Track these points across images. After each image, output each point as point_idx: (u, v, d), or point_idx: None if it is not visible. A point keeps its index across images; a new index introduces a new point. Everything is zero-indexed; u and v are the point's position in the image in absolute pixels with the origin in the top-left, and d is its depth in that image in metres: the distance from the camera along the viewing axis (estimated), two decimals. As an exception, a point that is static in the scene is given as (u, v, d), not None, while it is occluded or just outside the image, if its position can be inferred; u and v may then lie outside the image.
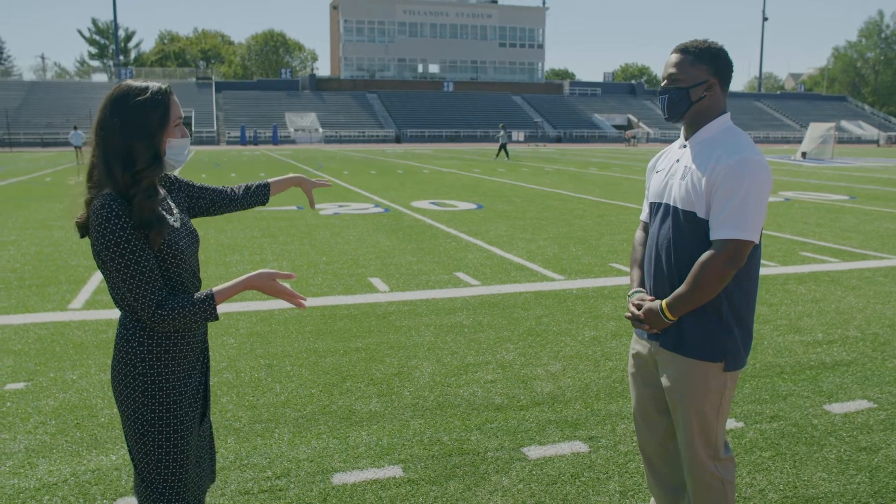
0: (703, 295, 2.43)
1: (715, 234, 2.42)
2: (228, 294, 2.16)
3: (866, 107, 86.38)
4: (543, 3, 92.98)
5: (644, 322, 2.58)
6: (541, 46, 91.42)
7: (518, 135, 67.87)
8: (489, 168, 28.83)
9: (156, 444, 2.18)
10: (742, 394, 4.70)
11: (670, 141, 71.10)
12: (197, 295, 2.12)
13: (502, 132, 38.36)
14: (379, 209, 14.67)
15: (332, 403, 4.48)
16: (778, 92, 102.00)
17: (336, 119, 70.52)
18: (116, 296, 2.15)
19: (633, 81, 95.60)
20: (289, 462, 3.71)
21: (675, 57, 2.54)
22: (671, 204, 2.56)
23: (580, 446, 3.90)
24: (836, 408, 4.48)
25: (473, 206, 15.15)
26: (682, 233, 2.51)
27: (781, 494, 3.43)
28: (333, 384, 4.81)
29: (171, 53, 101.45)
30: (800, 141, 65.27)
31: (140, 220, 2.03)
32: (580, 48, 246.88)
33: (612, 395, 4.64)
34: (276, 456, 3.78)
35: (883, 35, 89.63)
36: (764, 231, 11.79)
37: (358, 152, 46.45)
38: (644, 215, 2.86)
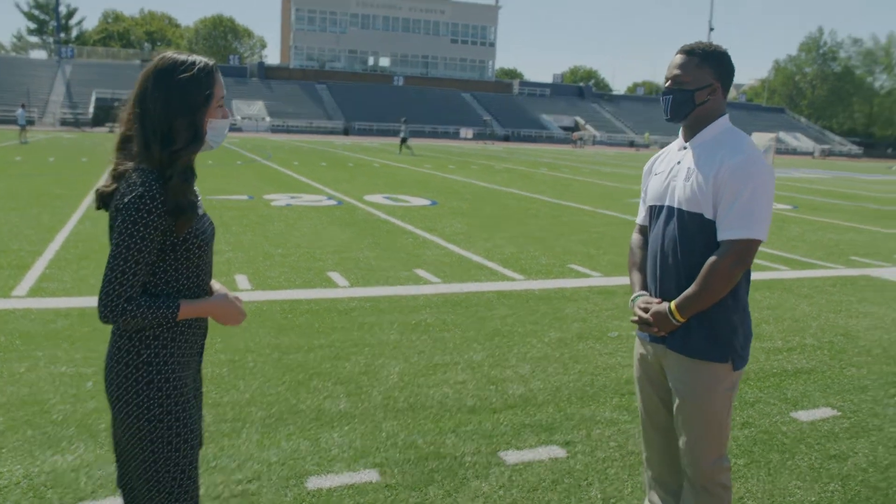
0: (713, 295, 2.42)
1: (723, 235, 2.41)
2: (194, 312, 2.05)
3: (803, 119, 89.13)
4: (496, 1, 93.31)
5: (652, 325, 2.53)
6: (492, 45, 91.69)
7: (467, 132, 67.97)
8: (440, 164, 28.75)
9: (164, 442, 2.03)
10: (711, 400, 4.71)
11: (617, 144, 72.30)
12: (163, 300, 1.98)
13: (404, 126, 38.05)
14: (332, 202, 14.44)
15: (300, 402, 4.34)
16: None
17: (284, 108, 69.46)
18: None
19: (581, 84, 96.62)
20: (259, 465, 3.56)
21: (680, 58, 2.52)
22: (675, 206, 2.54)
23: (557, 451, 3.84)
24: (803, 415, 4.53)
25: (427, 202, 15.05)
26: (689, 234, 2.49)
27: (759, 503, 3.44)
28: (300, 382, 4.66)
29: (115, 33, 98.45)
30: (740, 149, 66.86)
31: (175, 205, 1.94)
32: (530, 49, 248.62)
33: (583, 399, 4.60)
34: (245, 458, 3.62)
35: (821, 51, 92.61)
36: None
37: (306, 143, 45.85)
38: (641, 218, 2.83)
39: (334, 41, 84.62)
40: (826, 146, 77.47)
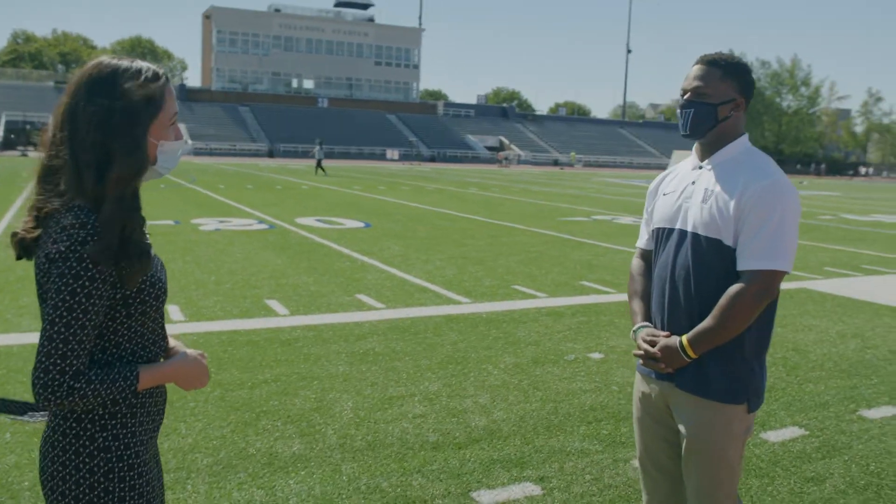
0: (731, 330, 2.21)
1: (746, 265, 2.21)
2: (156, 379, 1.65)
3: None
4: (420, 23, 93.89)
5: (659, 360, 2.31)
6: (416, 67, 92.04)
7: (393, 153, 67.82)
8: (369, 185, 28.43)
9: None
10: (678, 424, 4.57)
11: (541, 164, 73.29)
12: (118, 370, 1.57)
13: (318, 147, 37.68)
14: (263, 225, 13.96)
15: (249, 446, 3.98)
16: (640, 120, 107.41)
17: (206, 131, 67.86)
18: None
19: (504, 105, 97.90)
20: (209, 520, 3.20)
21: (701, 69, 2.32)
22: (689, 230, 2.32)
23: (532, 488, 3.60)
24: (772, 436, 4.42)
25: (361, 225, 14.72)
26: (704, 262, 2.28)
27: (748, 535, 3.27)
28: (247, 423, 4.29)
29: (26, 54, 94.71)
30: (660, 167, 68.89)
31: (122, 250, 1.55)
32: (454, 70, 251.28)
33: (550, 430, 4.38)
34: (192, 513, 3.25)
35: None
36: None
37: (231, 166, 44.80)
38: (643, 242, 2.61)
39: (257, 63, 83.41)
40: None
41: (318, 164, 36.76)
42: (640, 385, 2.54)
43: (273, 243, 11.62)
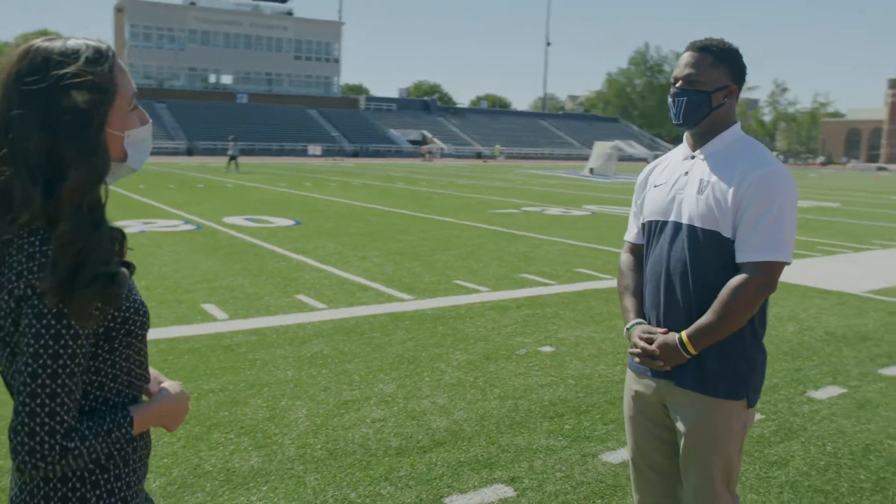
0: (732, 325, 2.15)
1: (746, 257, 2.16)
2: (149, 421, 1.43)
3: (635, 128, 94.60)
4: (339, 17, 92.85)
5: (658, 358, 2.24)
6: (337, 61, 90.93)
7: (315, 149, 66.83)
8: (295, 182, 27.90)
9: None
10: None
11: (464, 156, 73.52)
12: (110, 417, 1.33)
13: (232, 143, 36.97)
14: (190, 226, 13.48)
15: (204, 462, 3.76)
16: (560, 112, 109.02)
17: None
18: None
19: (426, 98, 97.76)
20: (169, 546, 2.99)
21: (693, 56, 2.24)
22: (685, 222, 2.25)
23: (505, 490, 3.51)
24: (730, 423, 4.45)
25: (291, 223, 14.39)
26: (702, 254, 2.21)
27: (723, 525, 3.26)
28: (198, 437, 4.06)
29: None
30: (581, 158, 70.06)
31: (90, 272, 1.27)
32: (375, 64, 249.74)
33: (513, 427, 4.30)
34: (150, 539, 3.03)
35: (648, 64, 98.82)
36: (588, 244, 12.19)
37: (149, 165, 43.24)
38: (632, 236, 2.54)
39: (172, 58, 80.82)
40: (658, 152, 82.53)
41: (232, 159, 35.79)
42: (632, 383, 2.46)
43: (202, 244, 11.21)
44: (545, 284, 8.65)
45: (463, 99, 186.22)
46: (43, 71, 1.30)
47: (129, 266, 1.47)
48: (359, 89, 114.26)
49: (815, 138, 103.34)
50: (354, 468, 3.71)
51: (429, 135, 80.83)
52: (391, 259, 10.19)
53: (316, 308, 7.20)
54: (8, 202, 1.32)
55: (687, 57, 2.27)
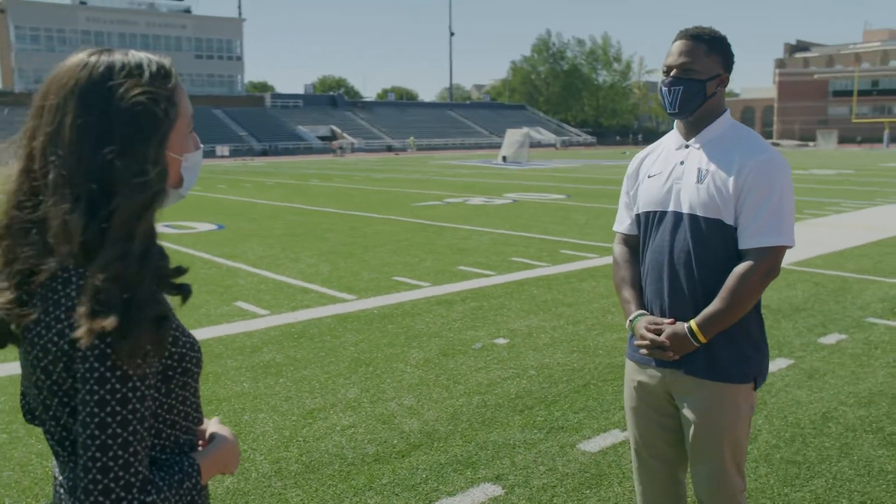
0: (740, 311, 2.18)
1: (750, 243, 2.18)
2: (214, 468, 1.32)
3: (541, 114, 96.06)
4: (240, 14, 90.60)
5: (668, 349, 2.24)
6: (239, 58, 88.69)
7: (223, 150, 65.13)
8: (209, 184, 27.09)
9: None
10: (606, 400, 4.61)
11: (375, 150, 73.11)
12: (178, 467, 1.23)
13: None
14: (105, 237, 12.88)
15: (176, 487, 3.58)
16: (467, 101, 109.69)
17: (13, 136, 62.03)
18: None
19: (332, 93, 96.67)
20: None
21: (686, 44, 2.24)
22: (685, 212, 2.25)
23: (493, 489, 3.48)
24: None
25: (214, 227, 13.95)
26: (705, 243, 2.22)
27: None
28: (164, 461, 3.87)
29: None
30: (491, 146, 70.76)
31: (150, 315, 1.15)
32: (279, 61, 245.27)
33: (486, 424, 4.28)
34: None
35: (551, 52, 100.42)
36: (517, 233, 12.29)
37: (44, 175, 41.21)
38: (625, 227, 2.52)
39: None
40: (565, 137, 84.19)
41: None
42: (634, 374, 2.46)
43: (123, 256, 10.73)
44: (484, 276, 8.67)
45: (370, 92, 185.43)
46: (105, 82, 1.18)
47: (184, 289, 1.33)
48: (264, 87, 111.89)
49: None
50: (335, 479, 3.61)
51: (338, 130, 79.94)
52: (325, 259, 10.01)
53: (258, 314, 6.99)
54: (35, 230, 1.19)
55: (680, 45, 2.26)
